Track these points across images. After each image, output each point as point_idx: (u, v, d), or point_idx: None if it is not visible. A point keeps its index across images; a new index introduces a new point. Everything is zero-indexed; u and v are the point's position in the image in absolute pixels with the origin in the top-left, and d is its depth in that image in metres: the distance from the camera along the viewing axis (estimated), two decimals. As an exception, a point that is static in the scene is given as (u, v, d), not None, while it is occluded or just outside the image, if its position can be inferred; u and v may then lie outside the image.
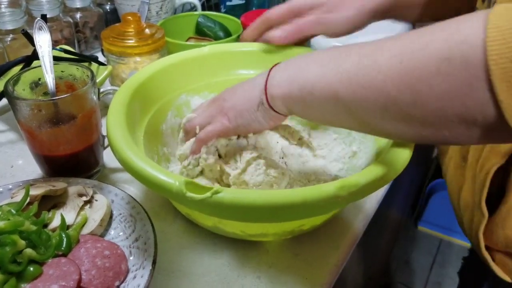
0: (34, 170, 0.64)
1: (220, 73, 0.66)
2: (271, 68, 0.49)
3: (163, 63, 0.63)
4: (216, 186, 0.41)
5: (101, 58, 0.81)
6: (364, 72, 0.37)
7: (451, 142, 0.37)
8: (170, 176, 0.41)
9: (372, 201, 0.62)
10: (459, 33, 0.32)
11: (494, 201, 0.55)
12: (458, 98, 0.32)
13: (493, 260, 0.57)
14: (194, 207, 0.42)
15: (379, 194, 0.64)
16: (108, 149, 0.64)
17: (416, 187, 1.77)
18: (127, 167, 0.44)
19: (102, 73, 0.75)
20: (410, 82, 0.34)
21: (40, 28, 0.60)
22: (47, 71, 0.58)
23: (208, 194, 0.40)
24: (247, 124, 0.51)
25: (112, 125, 0.49)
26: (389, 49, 0.36)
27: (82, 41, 0.97)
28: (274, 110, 0.48)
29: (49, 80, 0.58)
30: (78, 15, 0.95)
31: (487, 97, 0.31)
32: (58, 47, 0.78)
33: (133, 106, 0.55)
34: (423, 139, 0.38)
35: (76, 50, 0.91)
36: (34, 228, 0.46)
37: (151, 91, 0.60)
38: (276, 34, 0.64)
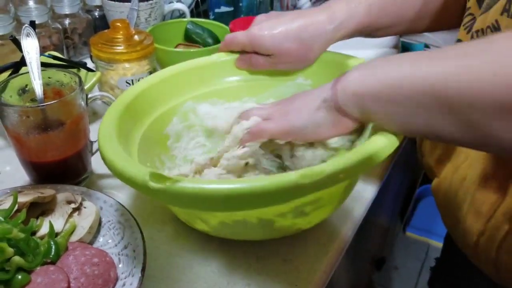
0: (21, 177, 0.63)
1: (230, 79, 0.66)
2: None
3: (168, 72, 0.63)
4: (178, 176, 0.41)
5: (90, 65, 0.80)
6: (466, 71, 0.36)
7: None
8: (137, 167, 0.43)
9: (361, 207, 0.62)
10: None
11: None
12: None
13: None
14: (157, 197, 0.42)
15: (368, 199, 0.64)
16: (96, 155, 0.64)
17: (404, 192, 1.78)
18: (104, 161, 0.46)
19: (90, 79, 0.75)
20: None
21: (28, 35, 0.60)
22: (34, 77, 0.58)
23: (168, 183, 0.40)
24: (304, 127, 0.49)
25: (104, 121, 0.51)
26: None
27: (70, 47, 0.97)
28: (341, 110, 0.46)
29: (37, 86, 0.58)
30: (66, 21, 0.94)
31: None
32: (46, 53, 0.77)
33: (132, 110, 0.56)
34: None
35: (65, 56, 0.90)
36: (22, 235, 0.46)
37: (153, 98, 0.60)
38: (240, 62, 0.65)
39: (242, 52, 0.65)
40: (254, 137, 0.53)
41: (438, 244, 1.91)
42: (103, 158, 0.46)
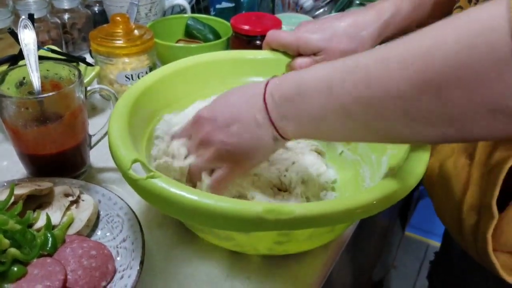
0: (19, 170, 0.63)
1: (233, 80, 0.64)
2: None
3: (179, 65, 0.62)
4: (156, 172, 0.40)
5: (89, 60, 0.80)
6: (378, 82, 0.35)
7: (476, 138, 0.36)
8: (128, 152, 0.42)
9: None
10: (479, 21, 0.30)
11: (502, 200, 0.51)
12: (485, 85, 0.30)
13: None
14: (134, 188, 0.41)
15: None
16: (95, 148, 0.64)
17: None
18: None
19: (89, 74, 0.74)
20: (430, 79, 0.32)
21: (25, 27, 0.59)
22: (32, 69, 0.57)
23: (143, 176, 0.40)
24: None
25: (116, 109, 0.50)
26: (401, 53, 0.34)
27: (69, 42, 0.96)
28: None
29: (34, 78, 0.57)
30: (66, 16, 0.93)
31: None
32: (45, 47, 0.77)
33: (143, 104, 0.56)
34: (446, 139, 0.36)
35: (64, 51, 0.90)
36: (18, 227, 0.45)
37: (189, 77, 0.61)
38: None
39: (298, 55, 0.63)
40: (219, 190, 0.49)
41: (437, 244, 1.91)
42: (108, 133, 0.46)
